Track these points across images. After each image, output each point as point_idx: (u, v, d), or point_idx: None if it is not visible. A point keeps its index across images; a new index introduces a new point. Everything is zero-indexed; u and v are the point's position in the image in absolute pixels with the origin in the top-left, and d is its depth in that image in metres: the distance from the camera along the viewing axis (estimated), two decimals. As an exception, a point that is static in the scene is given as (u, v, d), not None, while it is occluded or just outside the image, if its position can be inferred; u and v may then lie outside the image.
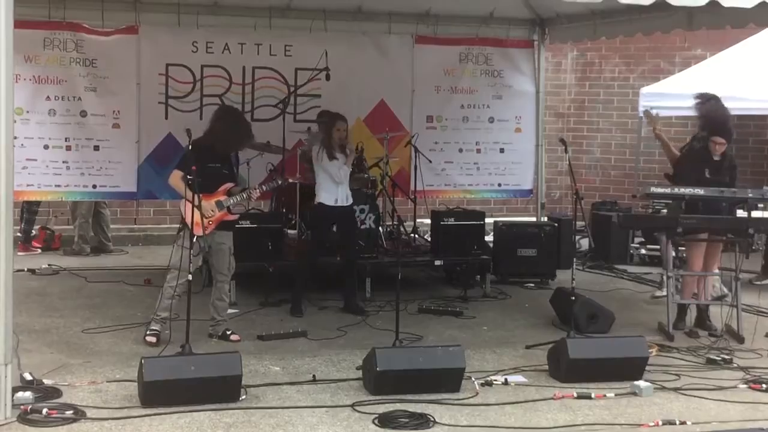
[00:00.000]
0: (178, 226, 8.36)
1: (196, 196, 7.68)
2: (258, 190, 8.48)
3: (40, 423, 6.09)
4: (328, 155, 9.37)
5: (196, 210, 7.74)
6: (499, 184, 12.68)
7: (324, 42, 11.34)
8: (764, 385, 7.33)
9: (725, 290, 9.74)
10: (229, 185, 8.30)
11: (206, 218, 7.98)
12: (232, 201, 8.28)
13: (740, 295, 8.87)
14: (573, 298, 8.45)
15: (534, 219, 12.87)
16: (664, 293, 10.25)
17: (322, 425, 6.32)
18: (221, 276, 8.39)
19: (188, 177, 7.72)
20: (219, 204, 8.16)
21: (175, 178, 8.20)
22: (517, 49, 12.49)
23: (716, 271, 9.69)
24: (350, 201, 9.64)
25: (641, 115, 12.53)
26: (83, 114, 10.89)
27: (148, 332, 8.17)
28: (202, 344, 7.97)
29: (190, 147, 7.80)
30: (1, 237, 6.09)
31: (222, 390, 6.61)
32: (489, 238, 11.67)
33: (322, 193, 9.49)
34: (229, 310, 9.26)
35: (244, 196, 8.35)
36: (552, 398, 6.96)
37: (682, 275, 9.33)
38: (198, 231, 7.92)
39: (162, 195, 11.33)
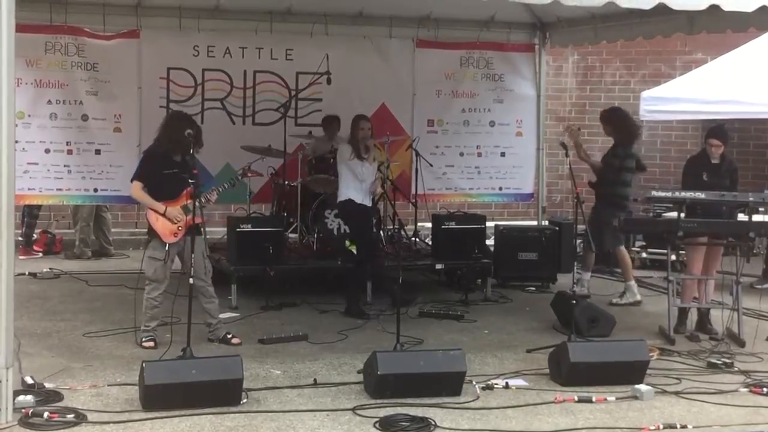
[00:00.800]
0: (146, 234, 8.34)
1: (197, 203, 7.71)
2: (214, 193, 8.45)
3: (41, 427, 6.09)
4: (355, 154, 9.52)
5: (162, 217, 7.95)
6: (500, 188, 12.69)
7: (325, 46, 11.37)
8: (765, 389, 7.33)
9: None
10: (190, 190, 8.04)
11: (175, 224, 8.02)
12: (198, 204, 8.22)
13: (741, 298, 8.87)
14: (574, 301, 8.45)
15: (535, 223, 12.87)
16: (624, 301, 10.57)
17: (323, 429, 6.33)
18: (200, 281, 8.18)
19: (190, 180, 7.71)
20: (185, 208, 8.06)
21: (137, 190, 8.21)
22: (518, 53, 12.50)
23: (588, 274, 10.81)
24: (370, 203, 9.76)
25: (642, 118, 12.55)
26: (84, 118, 10.91)
27: (144, 339, 8.18)
28: (203, 348, 7.98)
29: (192, 152, 7.82)
30: (3, 241, 6.09)
31: (223, 393, 6.61)
32: (490, 241, 11.66)
33: (349, 190, 9.60)
34: (230, 314, 9.29)
35: (203, 200, 8.18)
36: (553, 402, 6.96)
37: (683, 279, 9.34)
38: (170, 239, 8.03)
39: (163, 199, 11.36)
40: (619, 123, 10.73)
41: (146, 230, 8.30)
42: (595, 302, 9.64)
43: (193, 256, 7.67)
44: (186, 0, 10.88)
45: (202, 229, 8.03)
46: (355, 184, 9.63)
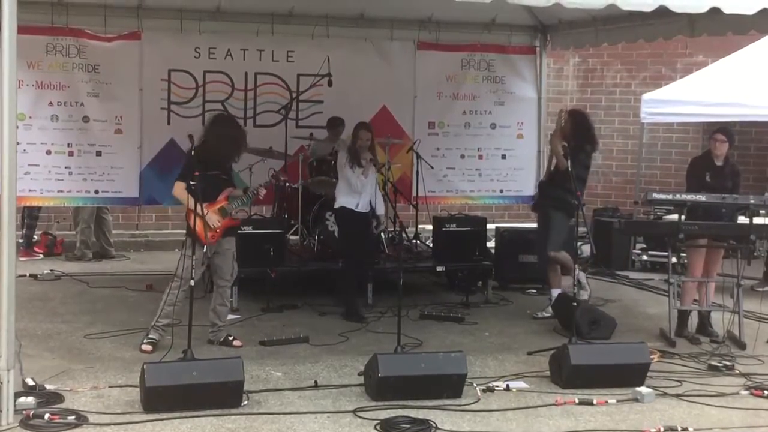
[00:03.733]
0: (184, 235, 8.24)
1: (198, 204, 7.70)
2: (263, 188, 8.43)
3: (42, 428, 6.10)
4: (350, 163, 9.48)
5: (200, 219, 7.81)
6: (501, 190, 12.66)
7: (326, 48, 11.37)
8: (766, 392, 7.33)
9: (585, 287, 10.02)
10: (229, 191, 8.31)
11: (211, 229, 8.01)
12: (234, 206, 8.29)
13: (742, 301, 8.87)
14: (575, 304, 8.46)
15: (536, 225, 12.82)
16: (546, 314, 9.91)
17: (324, 431, 6.33)
18: (223, 281, 8.37)
19: (191, 183, 7.73)
20: (222, 211, 8.15)
21: (179, 190, 8.16)
22: (519, 55, 12.49)
23: (581, 274, 9.95)
24: (368, 209, 9.58)
25: (643, 121, 12.55)
26: (86, 119, 10.89)
27: (145, 341, 8.16)
28: (204, 350, 7.98)
29: (193, 152, 7.82)
30: (4, 242, 6.10)
31: (224, 395, 6.61)
32: (491, 244, 11.67)
33: (342, 197, 9.56)
34: (231, 316, 9.29)
35: (250, 195, 8.32)
36: (554, 404, 6.96)
37: (683, 281, 9.34)
38: (208, 241, 8.01)
39: (164, 201, 11.33)
40: (589, 125, 10.21)
41: (184, 231, 8.21)
42: (595, 304, 9.64)
43: (222, 257, 7.90)
44: (187, 2, 10.87)
45: (237, 231, 8.13)
46: (348, 192, 9.54)
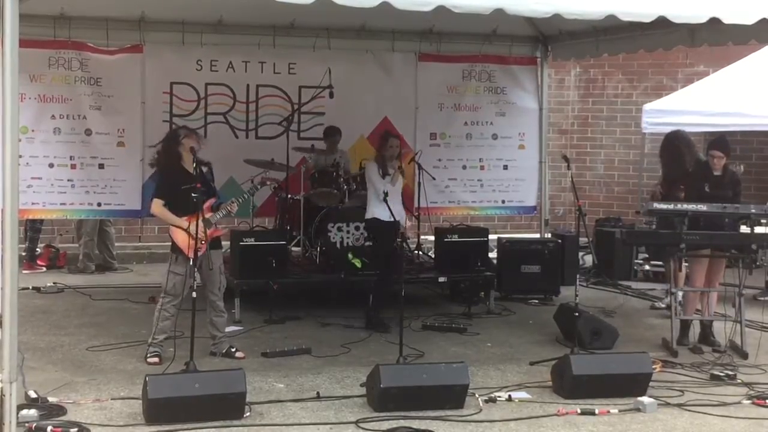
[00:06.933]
0: (169, 251, 8.27)
1: (198, 215, 7.72)
2: (235, 205, 8.39)
3: (44, 441, 6.12)
4: (382, 171, 9.51)
5: (185, 233, 7.88)
6: (503, 201, 12.68)
7: (328, 60, 11.41)
8: (768, 401, 7.34)
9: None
10: (211, 201, 8.24)
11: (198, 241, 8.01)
12: (218, 216, 8.27)
13: (744, 310, 8.87)
14: (576, 314, 8.46)
15: (538, 235, 12.87)
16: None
17: (326, 442, 6.35)
18: (213, 295, 8.29)
19: (194, 195, 7.73)
20: (206, 222, 8.02)
21: (158, 208, 8.20)
22: (520, 66, 12.53)
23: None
24: (399, 215, 9.54)
25: (645, 131, 12.57)
26: (88, 132, 10.93)
27: (149, 354, 8.16)
28: (206, 362, 7.99)
29: (195, 165, 7.84)
30: (7, 255, 6.11)
31: (226, 407, 6.62)
32: (493, 254, 11.68)
33: (374, 208, 9.57)
34: (233, 328, 9.30)
35: (228, 209, 8.31)
36: (556, 414, 6.96)
37: (685, 291, 9.34)
38: (192, 254, 7.99)
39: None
40: (688, 143, 10.44)
41: (169, 246, 8.22)
42: (597, 314, 9.64)
43: (211, 269, 7.81)
44: (189, 15, 10.90)
45: (221, 243, 8.08)
46: (378, 202, 9.47)
